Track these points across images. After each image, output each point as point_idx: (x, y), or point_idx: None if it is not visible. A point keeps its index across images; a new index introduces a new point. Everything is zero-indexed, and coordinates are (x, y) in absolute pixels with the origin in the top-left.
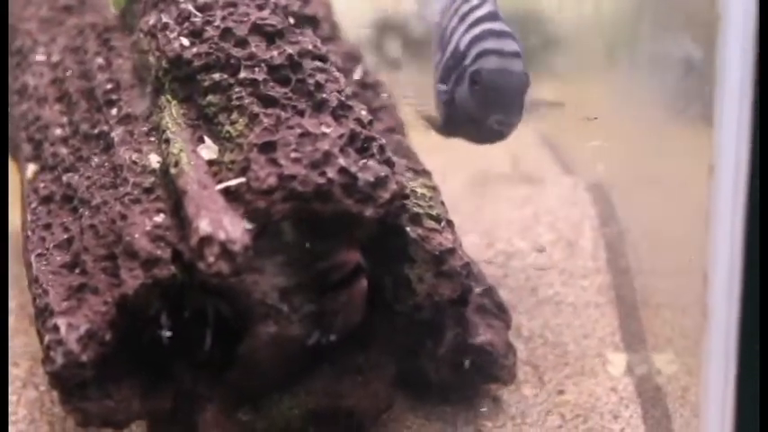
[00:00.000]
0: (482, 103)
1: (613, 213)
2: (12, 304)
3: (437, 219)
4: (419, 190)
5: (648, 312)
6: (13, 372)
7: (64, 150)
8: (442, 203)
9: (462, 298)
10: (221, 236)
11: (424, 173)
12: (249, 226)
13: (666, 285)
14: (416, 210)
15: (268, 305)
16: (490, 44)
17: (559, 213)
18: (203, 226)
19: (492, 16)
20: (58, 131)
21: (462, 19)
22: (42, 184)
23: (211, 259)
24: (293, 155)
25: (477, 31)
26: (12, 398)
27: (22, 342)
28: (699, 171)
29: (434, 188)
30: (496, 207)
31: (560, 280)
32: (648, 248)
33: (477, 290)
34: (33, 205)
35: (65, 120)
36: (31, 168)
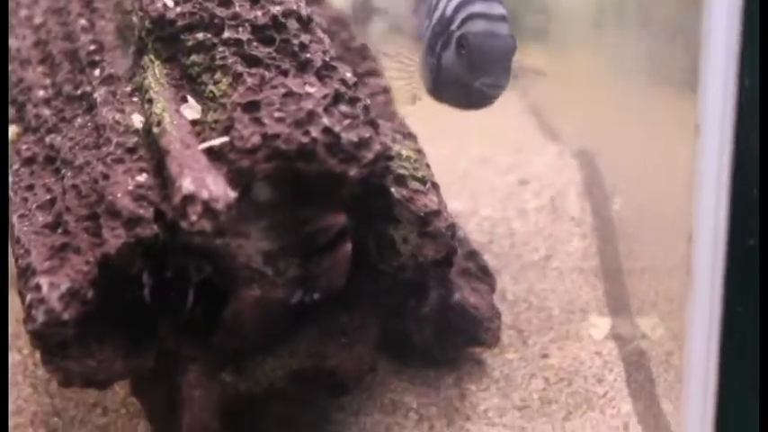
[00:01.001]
0: (469, 67)
1: (599, 179)
2: None
3: (422, 180)
4: (404, 152)
5: (633, 277)
6: None
7: (47, 112)
8: (428, 166)
9: (447, 259)
10: (204, 194)
11: (410, 136)
12: (233, 193)
13: (651, 250)
14: (401, 171)
15: (252, 269)
16: (477, 8)
17: (545, 179)
18: (186, 184)
19: None
20: (41, 93)
21: None
22: (25, 146)
23: (194, 218)
24: (277, 114)
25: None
26: None
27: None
28: (684, 136)
29: (419, 151)
30: (481, 173)
31: (545, 245)
32: (634, 213)
33: (462, 253)
34: (16, 167)
35: (48, 81)
36: (13, 130)
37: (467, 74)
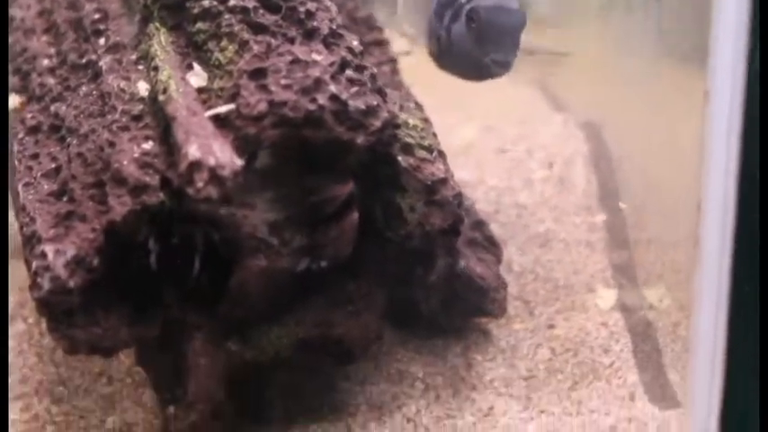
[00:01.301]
0: (479, 42)
1: (606, 150)
2: None
3: (429, 149)
4: (411, 121)
5: (640, 248)
6: None
7: (51, 81)
8: (434, 135)
9: (454, 228)
10: (211, 161)
11: (416, 105)
12: (240, 161)
13: (659, 221)
14: (408, 140)
15: (258, 239)
16: None
17: (551, 150)
18: (192, 151)
19: None
20: (46, 62)
21: None
22: (30, 115)
23: (200, 184)
24: (284, 81)
25: None
26: None
27: (10, 275)
28: (692, 107)
29: (426, 120)
30: (487, 143)
31: (552, 216)
32: (641, 184)
33: (469, 223)
34: (20, 135)
35: (52, 50)
36: (16, 99)
37: (476, 48)
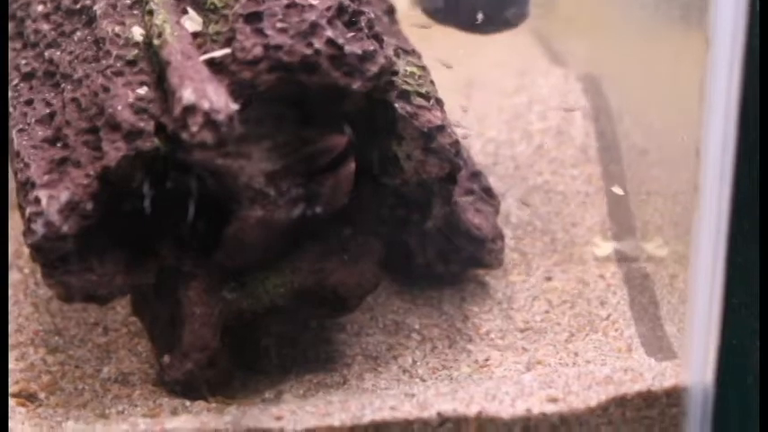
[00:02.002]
0: None
1: (605, 103)
2: None
3: (426, 96)
4: (408, 68)
5: (639, 201)
6: None
7: (46, 26)
8: (432, 83)
9: (450, 176)
10: (205, 105)
11: (413, 53)
12: (234, 104)
13: (658, 173)
14: (405, 87)
15: (254, 189)
16: None
17: (550, 103)
18: (187, 95)
19: None
20: (41, 8)
21: None
22: (24, 61)
23: (195, 129)
24: (279, 25)
25: None
26: None
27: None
28: (691, 57)
29: (424, 68)
30: (486, 96)
31: (550, 169)
32: (640, 136)
33: (466, 174)
34: (15, 82)
35: None
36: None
37: (494, 4)
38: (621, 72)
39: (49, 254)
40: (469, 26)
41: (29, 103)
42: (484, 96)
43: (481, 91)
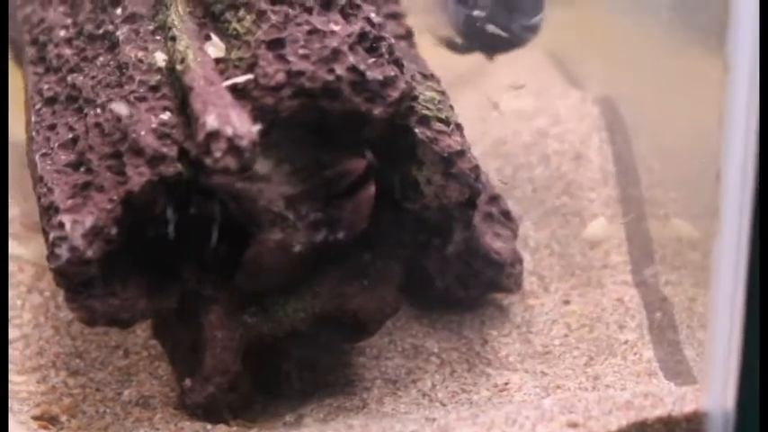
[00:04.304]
0: (505, 10)
1: (622, 125)
2: (16, 211)
3: (446, 121)
4: (428, 93)
5: (657, 224)
6: (17, 277)
7: (68, 51)
8: (451, 107)
9: (470, 201)
10: (228, 131)
11: (433, 77)
12: (256, 128)
13: (676, 196)
14: (425, 112)
15: (274, 212)
16: None
17: (567, 125)
18: (210, 121)
19: None
20: (63, 33)
21: None
22: (47, 86)
23: (218, 154)
24: (302, 51)
25: None
26: (17, 302)
27: (27, 248)
28: (709, 81)
29: (443, 92)
30: (503, 118)
31: (568, 191)
32: (658, 160)
33: (485, 198)
34: (38, 107)
35: (69, 21)
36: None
37: (503, 17)
38: (639, 94)
39: (72, 278)
40: (491, 47)
41: (52, 127)
42: (501, 119)
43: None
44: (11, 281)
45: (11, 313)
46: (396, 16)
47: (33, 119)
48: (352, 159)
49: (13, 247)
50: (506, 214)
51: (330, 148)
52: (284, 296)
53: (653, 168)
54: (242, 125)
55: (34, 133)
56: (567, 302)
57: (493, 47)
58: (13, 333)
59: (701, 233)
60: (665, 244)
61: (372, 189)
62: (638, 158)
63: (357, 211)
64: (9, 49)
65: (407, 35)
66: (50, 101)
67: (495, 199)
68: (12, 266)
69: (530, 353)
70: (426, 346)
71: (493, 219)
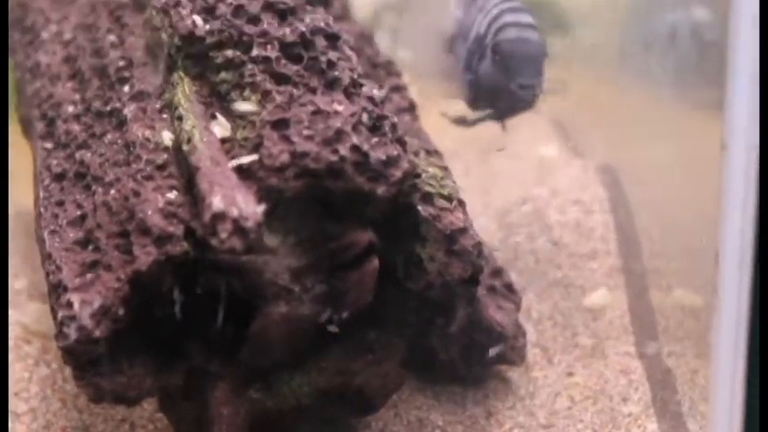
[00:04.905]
0: (504, 72)
1: (624, 196)
2: (24, 282)
3: (448, 198)
4: (430, 169)
5: (659, 294)
6: (25, 349)
7: (77, 127)
8: (454, 183)
9: (473, 278)
10: (234, 212)
11: (436, 153)
12: (261, 208)
13: (677, 267)
14: (428, 189)
15: (279, 285)
16: (508, 18)
17: (569, 195)
18: (216, 202)
19: None
20: (71, 109)
21: (481, 10)
22: (55, 162)
23: (224, 236)
24: (306, 132)
25: (495, 12)
26: (24, 374)
27: (34, 320)
28: (710, 152)
29: (446, 168)
30: (506, 188)
31: (570, 262)
32: (659, 230)
33: (488, 271)
34: (46, 182)
35: (77, 97)
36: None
37: (502, 79)
38: (639, 163)
39: (80, 357)
40: (494, 109)
41: (60, 204)
42: (504, 188)
43: (501, 183)
44: (18, 352)
45: (18, 386)
46: (399, 89)
47: (42, 194)
48: (356, 231)
49: (21, 319)
50: (509, 287)
51: (334, 220)
52: (289, 371)
53: (654, 238)
54: (247, 206)
55: (42, 209)
56: (570, 374)
57: (500, 112)
58: (20, 406)
59: (703, 302)
60: (668, 314)
61: (376, 262)
62: (640, 228)
63: (362, 283)
64: (19, 123)
65: (410, 108)
66: (59, 177)
67: (498, 272)
68: (19, 338)
69: (534, 426)
70: (431, 419)
71: (496, 292)
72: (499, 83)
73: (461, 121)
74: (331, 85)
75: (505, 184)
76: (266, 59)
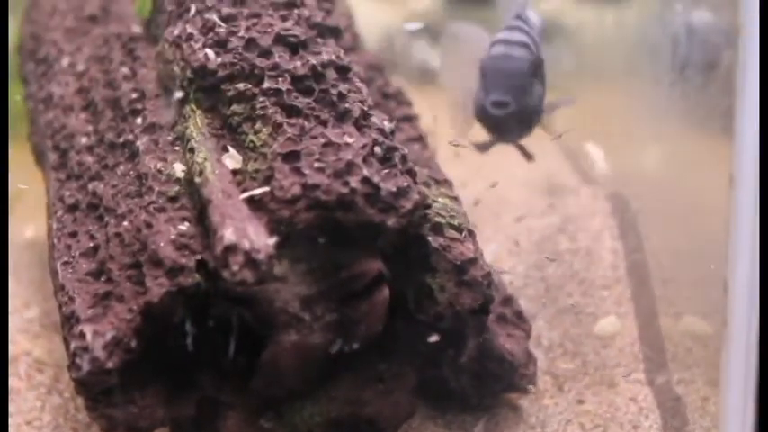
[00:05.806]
0: (484, 89)
1: (633, 223)
2: (36, 311)
3: (458, 228)
4: (440, 200)
5: (668, 321)
6: (37, 378)
7: (89, 159)
8: (464, 214)
9: (484, 308)
10: (246, 245)
11: (446, 183)
12: (272, 240)
13: (687, 294)
14: (438, 219)
15: (290, 314)
16: (500, 36)
17: (579, 223)
18: (228, 235)
19: (517, 15)
20: (84, 140)
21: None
22: (68, 193)
23: (236, 268)
24: (317, 164)
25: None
26: (36, 404)
27: (46, 349)
28: (719, 180)
29: (456, 198)
30: (516, 216)
31: (580, 290)
32: (669, 258)
33: (498, 299)
34: (59, 213)
35: (90, 128)
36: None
37: (482, 96)
38: (648, 190)
39: (93, 388)
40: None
41: (73, 235)
42: (513, 214)
43: (511, 212)
44: (31, 381)
45: (30, 414)
46: (410, 119)
47: (54, 225)
48: (366, 261)
49: (33, 348)
50: (519, 315)
51: (345, 249)
52: (300, 400)
53: (664, 265)
54: (258, 238)
55: (55, 240)
56: (581, 402)
57: (501, 134)
58: None
59: (712, 329)
60: (678, 341)
61: (386, 291)
62: (650, 255)
63: (372, 312)
64: (32, 153)
65: (421, 138)
66: (72, 208)
67: (508, 300)
68: (31, 367)
69: None
70: None
71: (506, 320)
72: (479, 101)
73: (479, 147)
74: (342, 117)
75: (515, 211)
76: (277, 92)
